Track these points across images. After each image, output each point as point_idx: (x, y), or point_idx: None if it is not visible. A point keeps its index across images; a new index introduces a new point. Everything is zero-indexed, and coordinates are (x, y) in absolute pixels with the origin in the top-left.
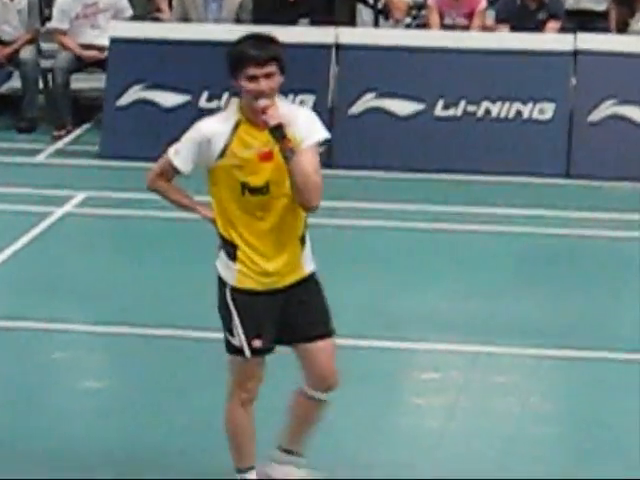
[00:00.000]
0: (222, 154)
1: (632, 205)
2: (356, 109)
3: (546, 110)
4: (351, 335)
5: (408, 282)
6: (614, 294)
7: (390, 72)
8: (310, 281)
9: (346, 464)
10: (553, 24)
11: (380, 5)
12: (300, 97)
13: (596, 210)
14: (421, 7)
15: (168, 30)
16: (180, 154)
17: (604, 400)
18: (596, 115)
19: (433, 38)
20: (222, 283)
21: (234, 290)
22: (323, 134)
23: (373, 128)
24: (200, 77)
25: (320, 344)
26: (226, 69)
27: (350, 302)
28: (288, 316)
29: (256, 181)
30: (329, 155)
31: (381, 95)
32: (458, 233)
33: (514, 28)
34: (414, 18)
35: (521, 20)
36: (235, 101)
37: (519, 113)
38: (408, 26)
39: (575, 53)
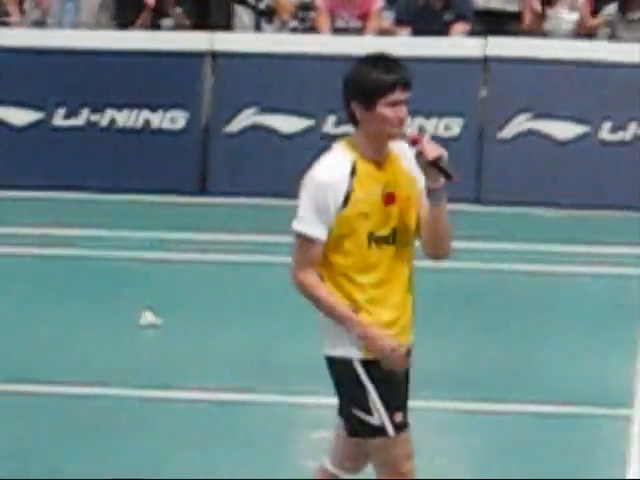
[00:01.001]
0: (345, 203)
1: (553, 234)
2: (234, 127)
3: (453, 126)
4: (230, 389)
5: (296, 326)
6: (532, 337)
7: (274, 83)
8: (411, 349)
9: None
10: (460, 26)
11: (262, 6)
12: (170, 114)
13: (513, 241)
14: (308, 7)
15: (17, 37)
16: (309, 221)
17: (525, 460)
18: (509, 131)
19: (323, 43)
20: (342, 361)
21: (365, 362)
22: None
23: (255, 149)
24: (54, 91)
25: None
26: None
27: (228, 350)
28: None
29: (383, 229)
30: (203, 181)
31: (263, 110)
32: None
33: (416, 31)
34: (301, 20)
35: (424, 22)
36: (342, 140)
37: (420, 129)
38: (294, 30)
39: (485, 60)
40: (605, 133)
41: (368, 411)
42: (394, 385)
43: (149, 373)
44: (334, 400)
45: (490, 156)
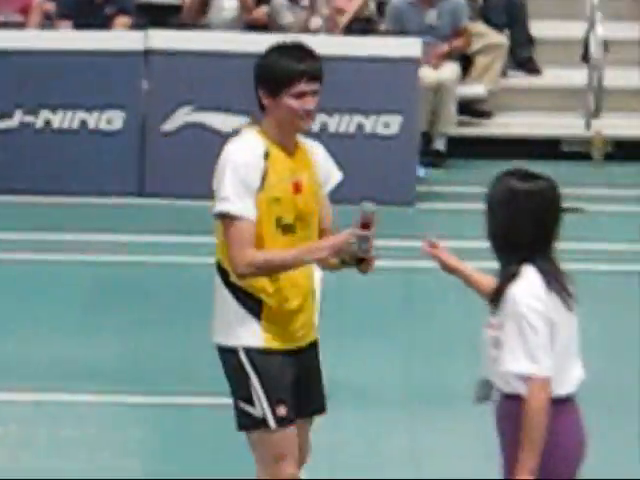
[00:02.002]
0: (262, 185)
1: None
2: None
3: (114, 119)
4: None
5: None
6: (199, 331)
7: None
8: (317, 345)
9: None
10: (122, 19)
11: None
12: None
13: (175, 233)
14: None
15: None
16: (235, 200)
17: (194, 451)
18: (172, 124)
19: None
20: (229, 350)
21: (253, 351)
22: (339, 175)
23: None
24: None
25: (311, 420)
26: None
27: None
28: (301, 384)
29: (288, 217)
30: None
31: None
32: (15, 263)
33: (78, 25)
34: None
35: (86, 15)
36: (251, 124)
37: (84, 123)
38: None
39: (146, 52)
40: None
41: (251, 402)
42: (279, 377)
43: None
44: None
45: (153, 149)
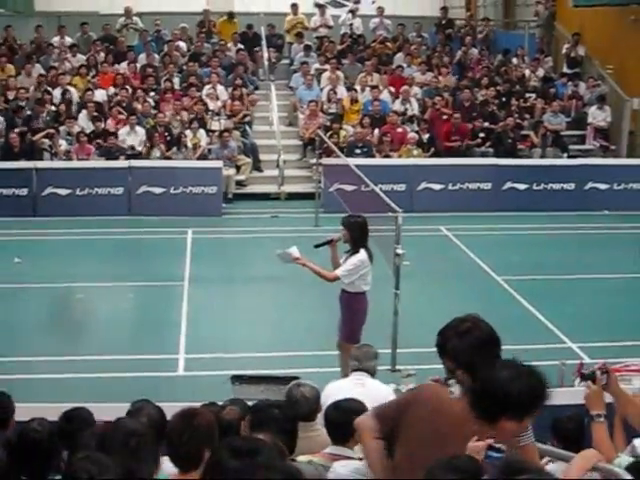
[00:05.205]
0: None
1: None
2: None
3: (119, 190)
4: None
5: None
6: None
7: None
8: None
9: None
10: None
11: None
12: None
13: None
14: None
15: None
16: None
17: None
18: (141, 190)
19: None
20: None
21: None
22: None
23: None
24: None
25: None
26: None
27: None
28: None
29: None
30: None
31: None
32: (72, 241)
33: (107, 159)
34: None
35: (108, 157)
36: None
37: (110, 192)
38: None
39: (130, 168)
40: None
41: None
42: None
43: None
44: None
45: (135, 200)
